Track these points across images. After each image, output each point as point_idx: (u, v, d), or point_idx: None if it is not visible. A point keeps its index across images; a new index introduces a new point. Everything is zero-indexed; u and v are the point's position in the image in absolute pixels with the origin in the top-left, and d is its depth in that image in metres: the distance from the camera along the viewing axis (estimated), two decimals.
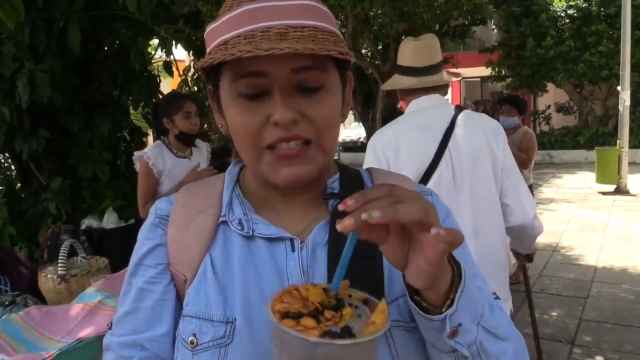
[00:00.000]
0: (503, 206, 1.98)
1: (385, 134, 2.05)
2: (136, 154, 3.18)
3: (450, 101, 32.54)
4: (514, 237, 2.15)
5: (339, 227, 0.57)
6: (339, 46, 0.69)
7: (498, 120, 5.00)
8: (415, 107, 2.06)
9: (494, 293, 0.85)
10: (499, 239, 1.97)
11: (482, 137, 1.94)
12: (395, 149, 1.95)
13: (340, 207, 0.57)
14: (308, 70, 0.68)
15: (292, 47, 0.63)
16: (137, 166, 3.15)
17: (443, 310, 0.63)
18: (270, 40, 0.65)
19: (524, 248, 2.25)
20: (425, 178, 1.92)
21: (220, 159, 3.78)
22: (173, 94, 3.70)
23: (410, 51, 2.04)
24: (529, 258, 2.37)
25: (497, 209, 1.96)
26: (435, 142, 1.93)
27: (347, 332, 0.56)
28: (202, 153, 3.32)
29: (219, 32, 0.70)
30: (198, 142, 3.31)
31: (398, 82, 2.10)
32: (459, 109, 2.01)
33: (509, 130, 4.78)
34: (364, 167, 2.09)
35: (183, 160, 3.18)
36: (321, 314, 0.57)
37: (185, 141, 3.16)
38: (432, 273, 0.60)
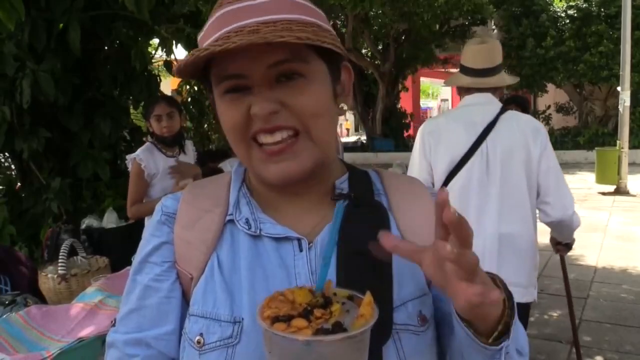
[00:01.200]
0: (543, 204, 2.12)
1: (433, 122, 2.32)
2: (128, 156, 3.15)
3: (450, 101, 32.50)
4: (554, 229, 2.30)
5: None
6: (318, 36, 0.68)
7: None
8: (465, 103, 2.26)
9: None
10: (524, 228, 2.11)
11: (521, 134, 2.10)
12: (437, 136, 2.19)
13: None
14: (285, 63, 0.68)
15: (247, 39, 0.63)
16: (130, 168, 3.12)
17: (494, 335, 0.63)
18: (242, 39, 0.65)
19: (563, 237, 2.38)
20: (458, 167, 2.13)
21: (221, 159, 3.78)
22: (153, 96, 3.70)
23: (471, 53, 2.23)
24: (569, 246, 2.48)
25: (524, 201, 2.10)
26: (474, 135, 2.12)
27: (338, 328, 0.56)
28: (188, 151, 3.30)
29: (204, 38, 0.72)
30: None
31: (457, 79, 2.30)
32: (505, 108, 2.17)
33: None
34: (413, 149, 2.26)
35: (172, 160, 3.16)
36: (311, 313, 0.57)
37: (163, 143, 3.13)
38: (472, 312, 0.60)
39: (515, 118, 2.16)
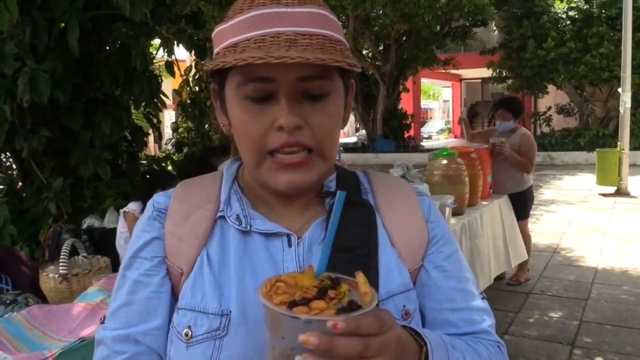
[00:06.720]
0: None
1: None
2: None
3: (450, 102, 32.48)
4: None
5: (302, 338, 0.54)
6: (345, 56, 0.71)
7: (495, 125, 4.95)
8: None
9: (482, 293, 0.87)
10: None
11: None
12: None
13: (329, 324, 0.54)
14: (315, 79, 0.70)
15: (303, 56, 0.65)
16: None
17: None
18: (280, 46, 0.67)
19: None
20: None
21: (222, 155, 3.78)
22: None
23: None
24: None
25: None
26: None
27: (356, 306, 0.57)
28: None
29: (228, 34, 0.71)
30: None
31: None
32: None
33: (506, 134, 4.75)
34: None
35: None
36: (325, 294, 0.58)
37: None
38: None
39: None
